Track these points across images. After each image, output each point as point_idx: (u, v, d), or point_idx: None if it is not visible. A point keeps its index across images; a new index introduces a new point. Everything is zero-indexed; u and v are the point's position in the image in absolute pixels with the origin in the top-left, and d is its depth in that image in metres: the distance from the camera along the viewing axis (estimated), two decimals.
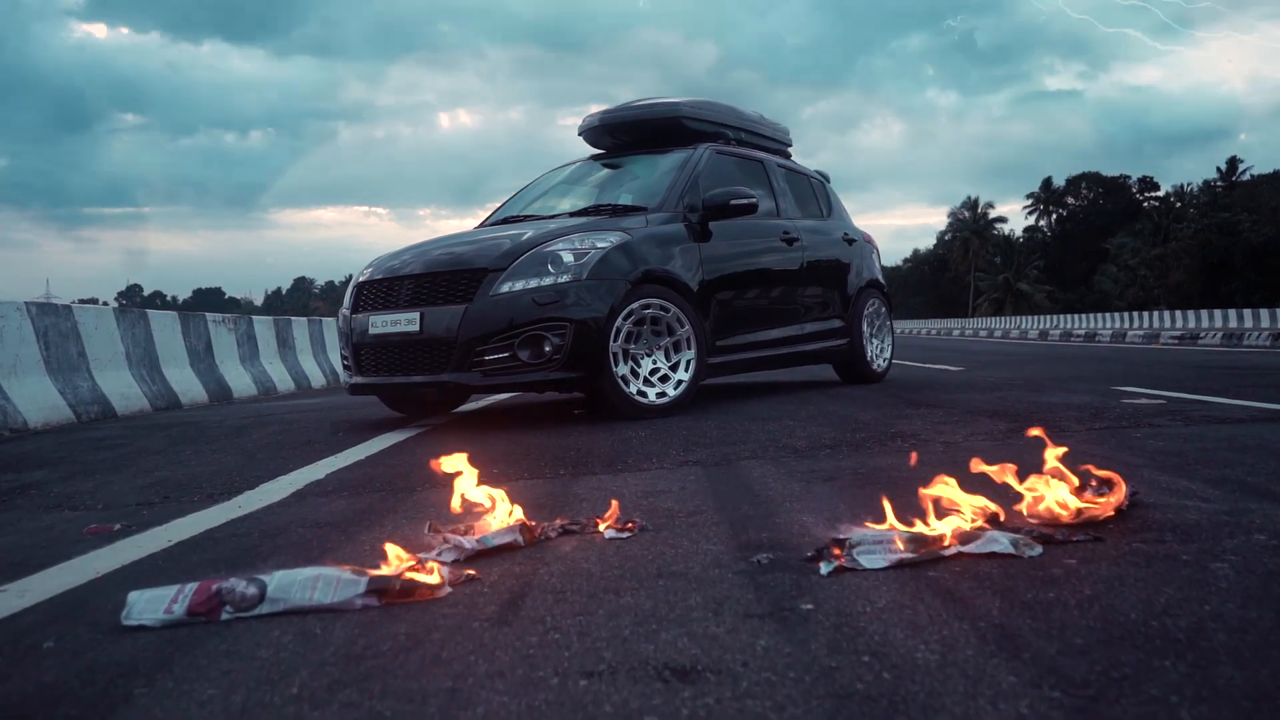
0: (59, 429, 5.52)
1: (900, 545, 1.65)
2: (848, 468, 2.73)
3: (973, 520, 1.80)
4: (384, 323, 4.36)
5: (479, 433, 4.20)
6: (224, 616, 1.51)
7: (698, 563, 1.70)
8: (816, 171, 6.62)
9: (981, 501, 1.88)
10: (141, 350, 7.03)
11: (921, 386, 5.96)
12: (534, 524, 1.98)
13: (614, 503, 2.07)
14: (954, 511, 1.83)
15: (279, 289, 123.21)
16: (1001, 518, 1.84)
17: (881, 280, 6.60)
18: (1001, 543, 1.67)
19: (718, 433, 3.68)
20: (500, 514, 2.00)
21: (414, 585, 1.55)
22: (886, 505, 1.83)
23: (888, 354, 6.59)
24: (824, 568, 1.59)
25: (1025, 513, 1.91)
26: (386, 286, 4.50)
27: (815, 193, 6.34)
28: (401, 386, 4.43)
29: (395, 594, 1.54)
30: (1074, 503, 1.91)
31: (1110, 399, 4.60)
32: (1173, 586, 1.42)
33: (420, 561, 1.62)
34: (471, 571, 1.68)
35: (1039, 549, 1.67)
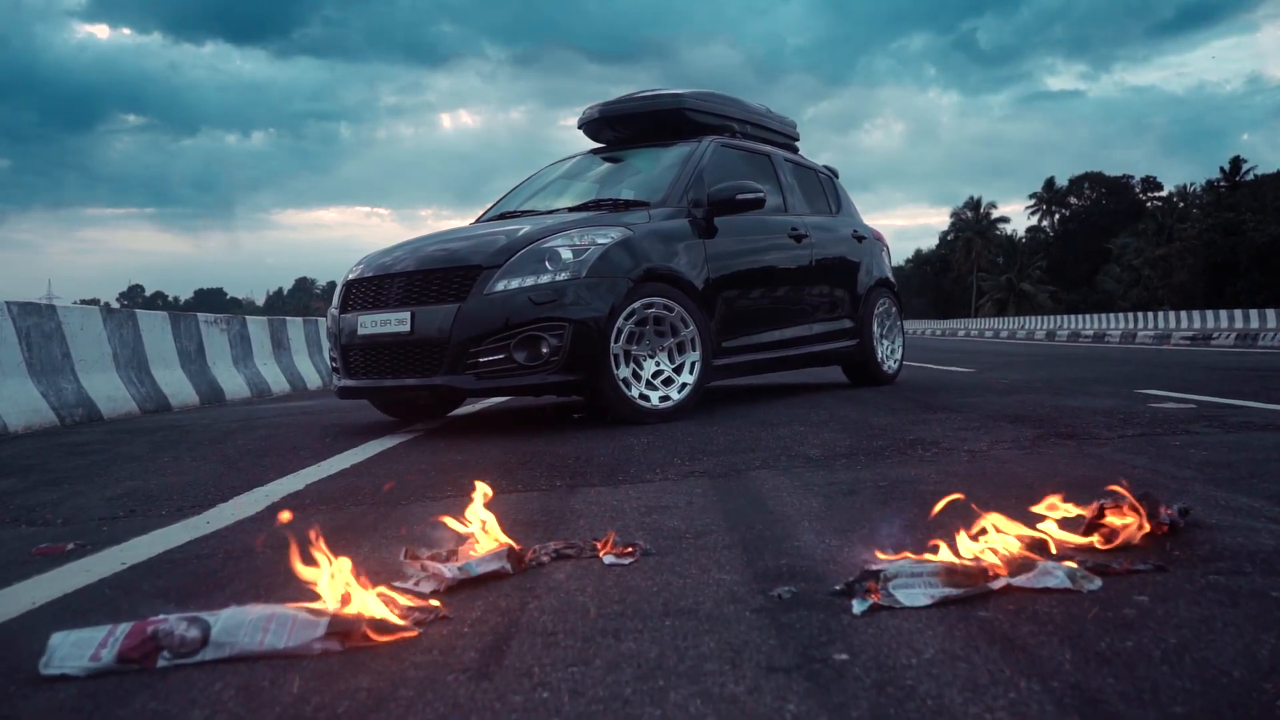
0: (40, 433, 5.32)
1: (942, 578, 1.43)
2: (868, 480, 2.52)
3: (1017, 547, 1.59)
4: (373, 323, 4.15)
5: (472, 438, 3.98)
6: (160, 663, 1.30)
7: (709, 597, 1.49)
8: (824, 166, 6.41)
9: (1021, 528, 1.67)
10: (129, 351, 6.82)
11: (935, 389, 5.74)
12: (523, 548, 1.77)
13: (610, 535, 1.86)
14: (987, 534, 1.61)
15: (280, 289, 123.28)
16: (1051, 546, 1.63)
17: (892, 279, 6.38)
18: (1057, 576, 1.45)
19: (725, 439, 3.47)
20: (484, 533, 1.79)
21: (382, 627, 1.34)
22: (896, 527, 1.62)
23: (898, 355, 6.37)
24: (857, 606, 1.37)
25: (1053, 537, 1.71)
26: (376, 285, 4.29)
27: (823, 188, 6.13)
28: (392, 390, 4.22)
29: (360, 636, 1.33)
30: (1116, 520, 1.71)
31: (1136, 403, 4.39)
32: (1274, 634, 1.20)
33: (340, 598, 1.38)
34: (444, 610, 1.46)
35: (1098, 582, 1.46)
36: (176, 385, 7.21)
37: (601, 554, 1.77)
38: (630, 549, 1.78)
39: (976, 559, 1.49)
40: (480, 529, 1.79)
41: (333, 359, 4.56)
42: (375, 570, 1.71)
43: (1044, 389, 5.45)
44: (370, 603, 1.38)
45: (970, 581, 1.43)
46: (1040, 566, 1.48)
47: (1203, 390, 5.06)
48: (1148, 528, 1.73)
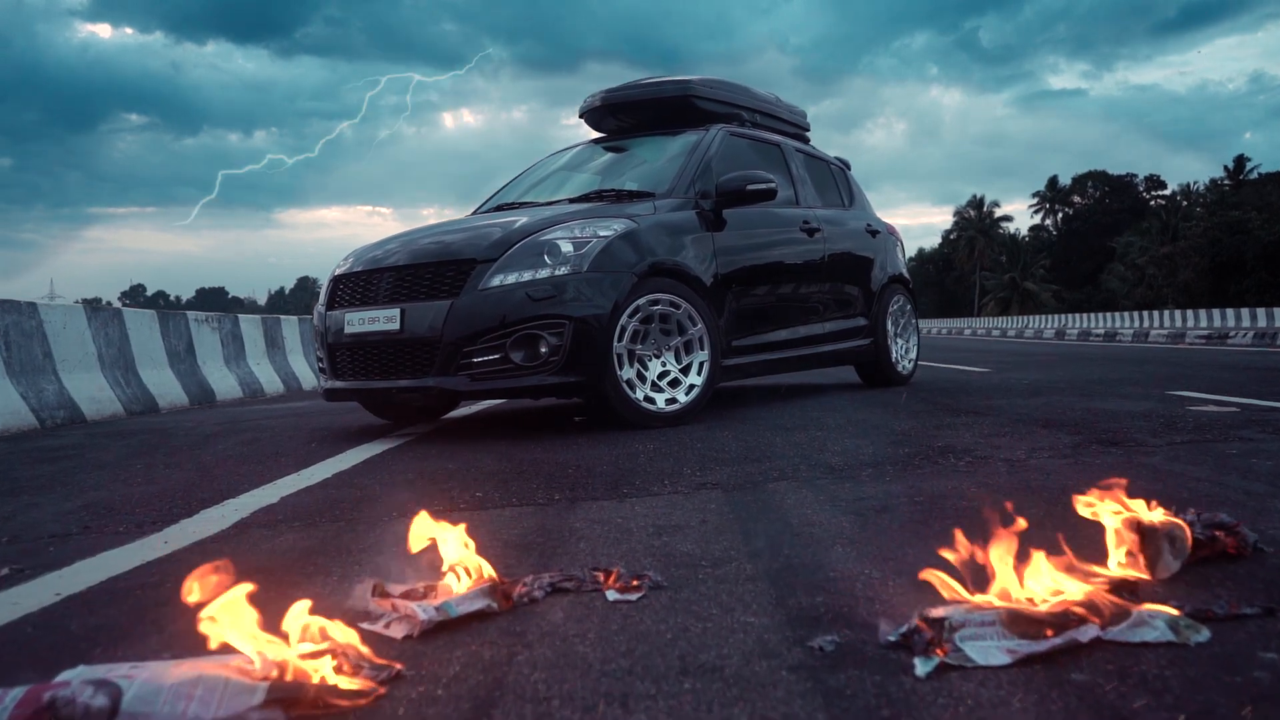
0: (18, 435, 5.08)
1: (1018, 628, 1.18)
2: (901, 494, 2.26)
3: (1104, 590, 1.33)
4: (361, 320, 3.89)
5: (465, 445, 3.73)
6: None
7: (735, 648, 1.24)
8: (836, 158, 6.15)
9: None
10: (115, 351, 6.57)
11: (953, 391, 5.48)
12: (511, 581, 1.52)
13: (615, 571, 1.60)
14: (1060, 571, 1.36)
15: (282, 289, 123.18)
16: (1138, 589, 1.37)
17: (906, 275, 6.12)
18: (1157, 627, 1.20)
19: (737, 446, 3.22)
20: (460, 558, 1.53)
21: (334, 692, 1.09)
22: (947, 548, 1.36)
23: (913, 354, 6.12)
24: (920, 666, 1.12)
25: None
26: (365, 280, 4.03)
27: (836, 180, 5.87)
28: (381, 392, 3.97)
29: (307, 704, 1.08)
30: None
31: (1173, 406, 4.13)
32: None
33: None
34: (398, 667, 1.20)
35: (1206, 632, 1.21)
36: (165, 386, 6.97)
37: (605, 588, 1.51)
38: (637, 582, 1.53)
39: (1063, 603, 1.23)
40: (459, 552, 1.54)
41: (319, 359, 4.32)
42: (344, 605, 1.46)
43: (1070, 390, 5.19)
44: (319, 660, 1.12)
45: (1052, 632, 1.18)
46: (1135, 615, 1.22)
47: (1238, 392, 4.80)
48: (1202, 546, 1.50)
